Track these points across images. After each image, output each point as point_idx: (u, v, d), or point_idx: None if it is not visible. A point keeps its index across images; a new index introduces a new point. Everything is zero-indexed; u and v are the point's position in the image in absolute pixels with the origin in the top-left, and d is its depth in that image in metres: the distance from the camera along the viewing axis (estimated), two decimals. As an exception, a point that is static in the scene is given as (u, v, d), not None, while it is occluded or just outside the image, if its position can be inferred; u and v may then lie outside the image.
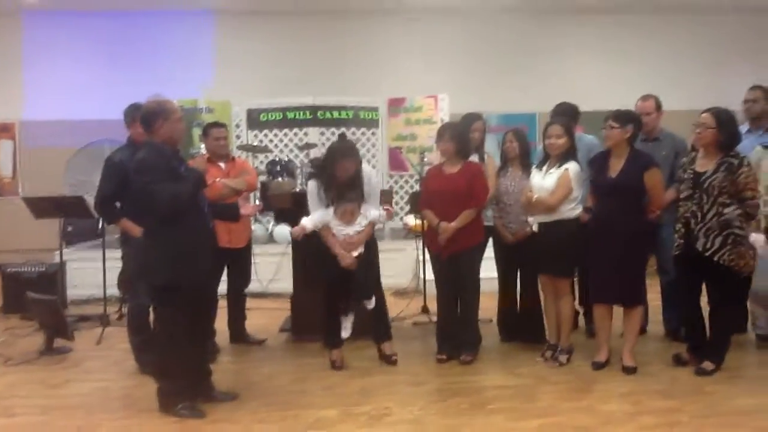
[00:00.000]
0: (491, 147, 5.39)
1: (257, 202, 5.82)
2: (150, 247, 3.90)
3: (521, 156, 5.03)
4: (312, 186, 4.73)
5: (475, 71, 9.80)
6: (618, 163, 4.51)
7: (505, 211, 4.99)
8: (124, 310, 5.71)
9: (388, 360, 4.80)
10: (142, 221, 4.15)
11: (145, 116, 3.93)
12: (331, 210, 4.64)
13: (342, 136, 4.96)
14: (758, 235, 4.46)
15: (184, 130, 4.23)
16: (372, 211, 4.72)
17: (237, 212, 4.46)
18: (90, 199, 5.48)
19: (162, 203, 3.74)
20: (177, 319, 3.84)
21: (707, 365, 4.41)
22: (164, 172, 3.78)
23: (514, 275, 5.18)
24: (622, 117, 4.53)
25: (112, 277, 6.07)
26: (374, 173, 4.93)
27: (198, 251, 3.88)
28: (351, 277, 4.61)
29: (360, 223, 4.66)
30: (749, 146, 4.86)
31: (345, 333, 4.73)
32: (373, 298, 4.73)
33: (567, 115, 5.22)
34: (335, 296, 4.70)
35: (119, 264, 5.16)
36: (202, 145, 4.99)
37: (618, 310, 4.63)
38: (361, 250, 4.67)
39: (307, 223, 4.66)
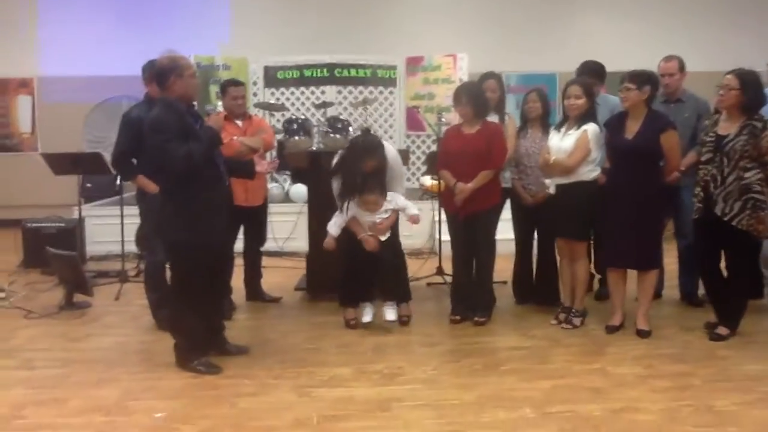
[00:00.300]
0: (510, 107, 5.31)
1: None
2: (165, 204, 3.91)
3: (542, 117, 4.97)
4: (336, 186, 4.71)
5: (495, 30, 9.64)
6: (635, 124, 4.43)
7: (525, 172, 4.95)
8: (142, 266, 5.79)
9: (399, 320, 4.81)
10: (157, 178, 4.16)
11: (158, 73, 3.89)
12: (352, 205, 4.61)
13: (366, 131, 4.87)
14: None
15: (199, 86, 4.19)
16: (400, 200, 4.71)
17: (252, 169, 4.44)
18: (108, 156, 5.50)
19: (176, 162, 3.72)
20: (192, 276, 3.86)
21: (722, 330, 4.39)
22: (178, 129, 3.76)
23: (531, 237, 5.17)
24: (639, 77, 4.41)
25: (130, 233, 6.14)
26: (398, 156, 4.87)
27: (213, 209, 3.88)
28: (376, 260, 4.63)
29: (386, 210, 4.66)
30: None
31: (367, 318, 4.75)
32: (395, 309, 4.75)
33: (592, 73, 5.12)
34: (357, 264, 4.71)
35: (137, 220, 5.19)
36: (219, 103, 4.96)
37: (632, 274, 4.61)
38: (388, 234, 4.68)
39: (333, 230, 4.67)
